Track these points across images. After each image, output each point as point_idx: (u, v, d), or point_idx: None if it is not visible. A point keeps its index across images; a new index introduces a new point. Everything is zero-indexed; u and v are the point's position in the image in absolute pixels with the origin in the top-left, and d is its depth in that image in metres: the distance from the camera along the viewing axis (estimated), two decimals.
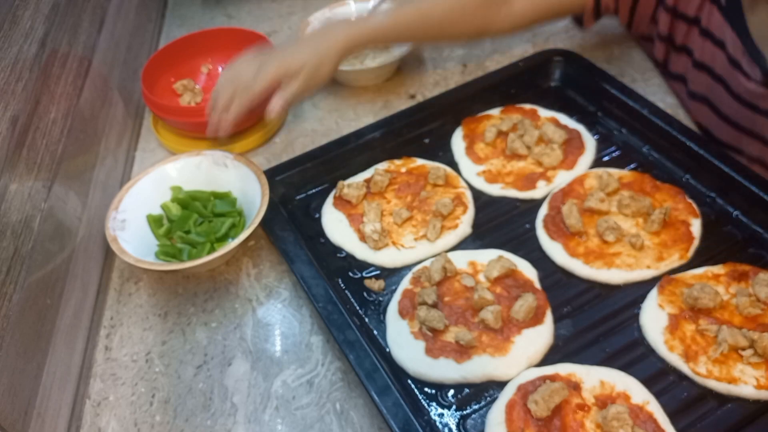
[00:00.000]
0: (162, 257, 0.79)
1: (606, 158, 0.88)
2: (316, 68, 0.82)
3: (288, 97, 0.82)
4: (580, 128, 0.90)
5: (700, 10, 0.88)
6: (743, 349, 0.64)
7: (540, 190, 0.84)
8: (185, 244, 0.81)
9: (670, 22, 0.92)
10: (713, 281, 0.71)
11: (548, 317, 0.70)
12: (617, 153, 0.88)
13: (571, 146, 0.88)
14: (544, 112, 0.93)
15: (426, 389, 0.66)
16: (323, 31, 0.87)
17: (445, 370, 0.66)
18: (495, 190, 0.85)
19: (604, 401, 0.61)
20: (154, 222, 0.82)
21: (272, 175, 0.85)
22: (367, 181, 0.86)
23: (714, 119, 0.90)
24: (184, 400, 0.70)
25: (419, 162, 0.89)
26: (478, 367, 0.66)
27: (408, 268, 0.77)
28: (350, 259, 0.79)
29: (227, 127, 0.84)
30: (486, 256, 0.76)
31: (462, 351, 0.67)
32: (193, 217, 0.82)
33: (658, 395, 0.62)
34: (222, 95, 0.84)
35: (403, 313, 0.71)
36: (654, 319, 0.68)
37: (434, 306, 0.70)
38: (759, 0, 0.80)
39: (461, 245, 0.79)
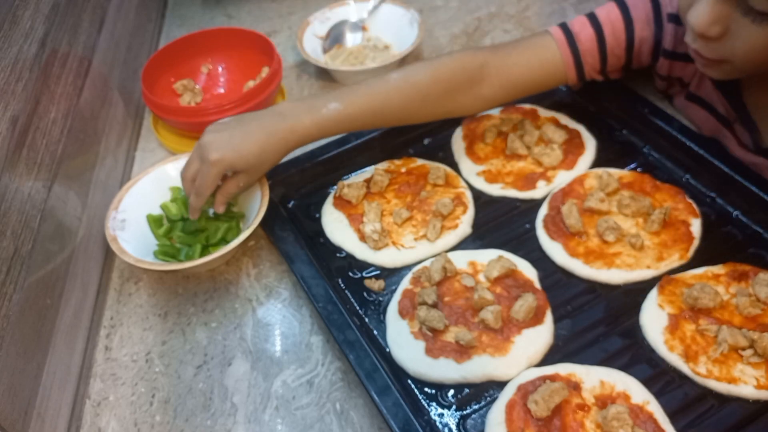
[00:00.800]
0: (161, 257, 0.79)
1: (606, 158, 0.88)
2: (257, 169, 0.77)
3: (228, 197, 0.78)
4: (580, 128, 0.90)
5: (687, 73, 0.87)
6: (743, 349, 0.64)
7: (540, 190, 0.84)
8: (184, 244, 0.81)
9: (666, 85, 0.91)
10: (713, 281, 0.71)
11: (548, 317, 0.70)
12: (617, 153, 0.88)
13: (571, 146, 0.88)
14: (544, 112, 0.93)
15: (426, 389, 0.66)
16: (270, 121, 0.76)
17: (445, 370, 0.66)
18: (495, 190, 0.85)
19: (604, 401, 0.61)
20: (154, 222, 0.82)
21: (272, 175, 0.85)
22: (367, 181, 0.86)
23: None
24: (184, 400, 0.70)
25: (419, 162, 0.89)
26: (478, 367, 0.66)
27: (408, 268, 0.77)
28: (350, 259, 0.79)
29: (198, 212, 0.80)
30: (486, 256, 0.76)
31: (462, 351, 0.67)
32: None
33: (658, 395, 0.62)
34: (185, 191, 0.79)
35: (403, 313, 0.71)
36: (654, 319, 0.68)
37: (434, 306, 0.70)
38: (755, 78, 0.76)
39: (461, 245, 0.79)
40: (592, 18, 0.84)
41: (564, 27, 0.85)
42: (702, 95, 0.86)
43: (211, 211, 0.84)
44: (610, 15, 0.83)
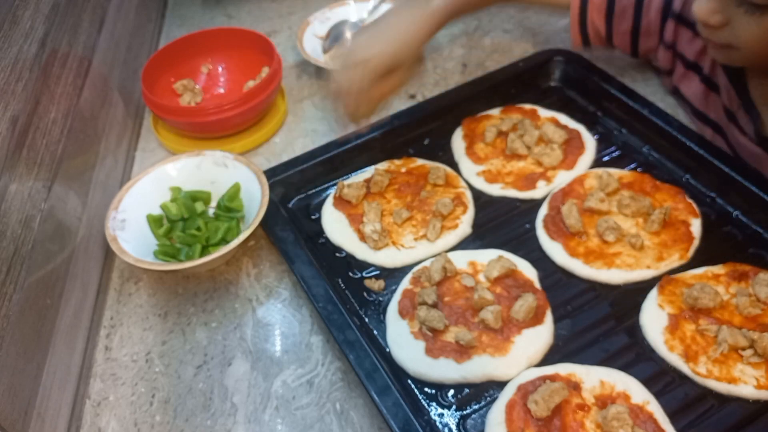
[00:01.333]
0: (160, 257, 0.79)
1: (606, 158, 0.88)
2: (410, 57, 0.78)
3: (384, 98, 0.79)
4: (580, 128, 0.90)
5: (701, 57, 0.87)
6: (743, 349, 0.64)
7: (540, 190, 0.84)
8: (184, 244, 0.81)
9: (671, 58, 0.91)
10: (713, 281, 0.71)
11: (548, 317, 0.70)
12: (617, 153, 0.88)
13: (571, 146, 0.88)
14: (544, 112, 0.93)
15: (426, 389, 0.66)
16: (407, 13, 0.78)
17: (445, 370, 0.66)
18: (495, 190, 0.85)
19: (604, 401, 0.61)
20: (154, 222, 0.82)
21: (272, 175, 0.85)
22: (367, 181, 0.86)
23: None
24: (184, 400, 0.70)
25: (419, 162, 0.89)
26: (478, 367, 0.66)
27: (408, 268, 0.77)
28: (350, 259, 0.79)
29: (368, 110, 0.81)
30: (486, 256, 0.76)
31: (462, 351, 0.67)
32: (195, 219, 0.82)
33: (658, 395, 0.62)
34: (343, 87, 0.79)
35: (403, 313, 0.71)
36: (654, 319, 0.68)
37: (434, 306, 0.70)
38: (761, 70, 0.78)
39: (461, 245, 0.79)
40: None
41: None
42: (711, 75, 0.86)
43: (211, 212, 0.85)
44: None
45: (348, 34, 1.12)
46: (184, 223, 0.82)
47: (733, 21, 0.69)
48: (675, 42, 0.89)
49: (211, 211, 0.84)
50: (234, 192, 0.83)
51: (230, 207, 0.83)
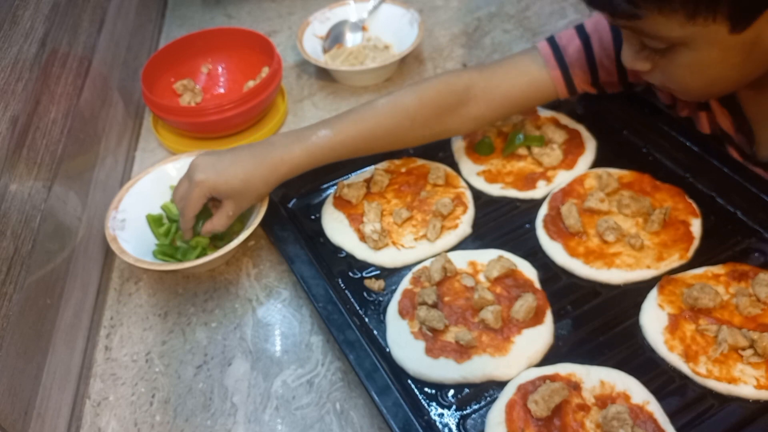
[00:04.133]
0: (160, 257, 0.79)
1: (606, 158, 0.88)
2: (243, 196, 0.76)
3: (216, 227, 0.77)
4: (580, 128, 0.90)
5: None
6: (743, 349, 0.64)
7: (540, 190, 0.84)
8: (184, 243, 0.81)
9: (665, 95, 0.89)
10: (713, 281, 0.71)
11: (548, 317, 0.70)
12: (617, 153, 0.88)
13: (571, 146, 0.88)
14: (544, 112, 0.93)
15: (426, 389, 0.66)
16: (260, 150, 0.77)
17: (445, 370, 0.66)
18: (495, 190, 0.85)
19: (604, 401, 0.61)
20: (154, 222, 0.82)
21: None
22: (367, 181, 0.86)
23: None
24: (184, 400, 0.70)
25: (419, 162, 0.89)
26: (478, 367, 0.66)
27: (408, 268, 0.77)
28: (350, 259, 0.79)
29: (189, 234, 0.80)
30: (486, 256, 0.76)
31: (462, 351, 0.67)
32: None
33: (658, 395, 0.62)
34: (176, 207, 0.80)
35: (403, 313, 0.71)
36: (654, 319, 0.68)
37: (434, 306, 0.70)
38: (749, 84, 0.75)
39: (461, 245, 0.79)
40: (580, 29, 0.83)
41: (551, 41, 0.84)
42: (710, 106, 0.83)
43: None
44: (597, 25, 0.82)
45: (347, 35, 1.12)
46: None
47: (656, 64, 0.70)
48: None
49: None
50: None
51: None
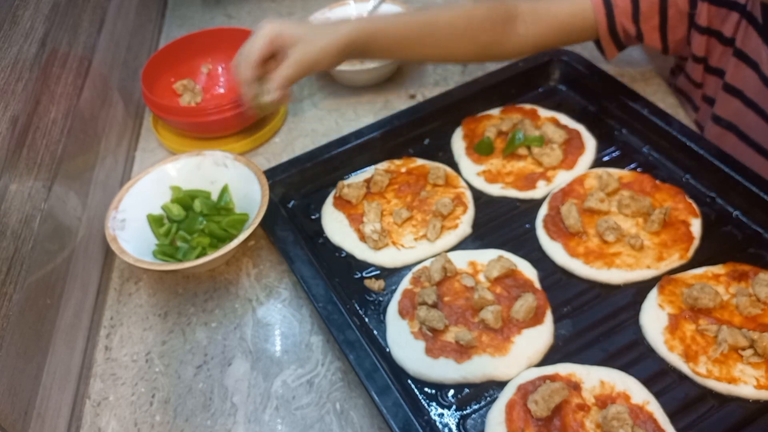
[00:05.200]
0: (160, 257, 0.79)
1: (606, 158, 0.88)
2: (308, 42, 0.77)
3: (283, 75, 0.77)
4: (580, 128, 0.90)
5: (736, 30, 0.85)
6: (743, 349, 0.64)
7: (540, 190, 0.84)
8: (185, 243, 0.81)
9: (705, 42, 0.89)
10: (713, 281, 0.71)
11: (548, 317, 0.70)
12: (617, 153, 0.88)
13: (571, 146, 0.88)
14: (544, 112, 0.93)
15: (426, 389, 0.66)
16: (328, 24, 0.84)
17: (445, 370, 0.66)
18: (495, 190, 0.85)
19: (604, 401, 0.61)
20: (155, 221, 0.82)
21: (272, 175, 0.85)
22: (367, 181, 0.86)
23: (741, 147, 0.88)
24: (184, 400, 0.70)
25: (419, 162, 0.89)
26: (478, 367, 0.66)
27: (408, 268, 0.77)
28: (350, 259, 0.79)
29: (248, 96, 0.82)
30: (486, 256, 0.76)
31: (462, 351, 0.67)
32: (197, 218, 0.82)
33: (658, 395, 0.62)
34: (235, 67, 0.82)
35: (403, 313, 0.71)
36: (654, 319, 0.68)
37: (434, 306, 0.70)
38: None
39: (461, 245, 0.79)
40: None
41: None
42: (747, 51, 0.84)
43: (216, 201, 0.84)
44: None
45: None
46: (186, 222, 0.82)
47: None
48: (709, 23, 0.87)
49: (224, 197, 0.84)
50: (222, 194, 0.84)
51: (221, 207, 0.83)
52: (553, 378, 0.63)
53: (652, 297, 0.70)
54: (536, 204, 0.83)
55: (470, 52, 0.89)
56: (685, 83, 0.98)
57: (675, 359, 0.65)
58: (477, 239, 0.80)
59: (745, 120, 0.87)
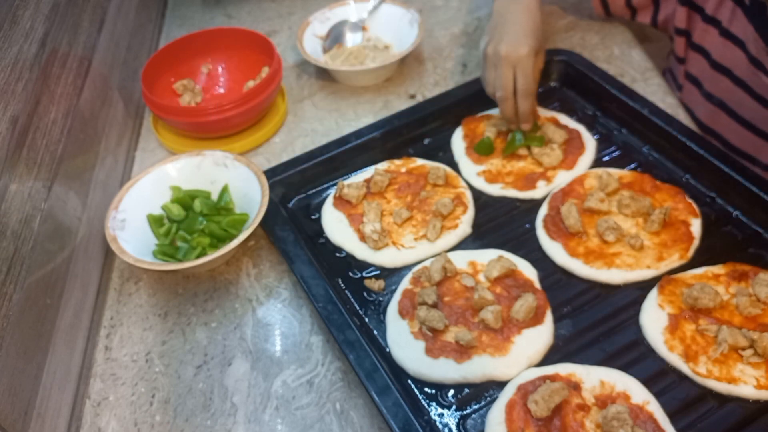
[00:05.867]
0: (159, 257, 0.79)
1: (606, 158, 0.88)
2: (544, 36, 0.82)
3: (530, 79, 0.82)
4: (580, 128, 0.90)
5: (719, 10, 0.86)
6: (743, 349, 0.64)
7: (540, 190, 0.84)
8: (185, 243, 0.81)
9: (686, 15, 0.90)
10: (713, 281, 0.71)
11: (548, 317, 0.70)
12: (617, 153, 0.88)
13: (571, 146, 0.88)
14: (544, 112, 0.93)
15: (426, 389, 0.66)
16: (516, 7, 0.85)
17: (445, 370, 0.66)
18: (495, 190, 0.85)
19: (604, 401, 0.61)
20: (155, 221, 0.82)
21: (272, 175, 0.85)
22: (367, 181, 0.86)
23: (732, 124, 0.88)
24: (184, 400, 0.70)
25: (419, 162, 0.89)
26: (478, 367, 0.66)
27: (408, 268, 0.77)
28: (350, 259, 0.79)
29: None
30: (486, 256, 0.76)
31: (462, 351, 0.67)
32: (197, 218, 0.82)
33: (658, 395, 0.62)
34: (501, 91, 0.84)
35: (403, 313, 0.71)
36: (654, 319, 0.68)
37: (434, 306, 0.70)
38: None
39: (461, 245, 0.79)
40: None
41: None
42: (735, 31, 0.85)
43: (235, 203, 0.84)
44: None
45: (347, 35, 1.12)
46: (186, 222, 0.82)
47: None
48: None
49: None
50: (222, 194, 0.84)
51: (221, 207, 0.83)
52: (553, 378, 0.63)
53: (652, 297, 0.70)
54: (536, 204, 0.83)
55: None
56: (672, 62, 1.00)
57: (675, 359, 0.65)
58: (477, 239, 0.80)
59: (735, 98, 0.88)
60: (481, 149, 0.89)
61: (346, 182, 0.85)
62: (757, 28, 0.81)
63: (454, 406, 0.65)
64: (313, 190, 0.88)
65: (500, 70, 0.83)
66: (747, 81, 0.85)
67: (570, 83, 0.98)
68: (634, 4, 0.90)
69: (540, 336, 0.68)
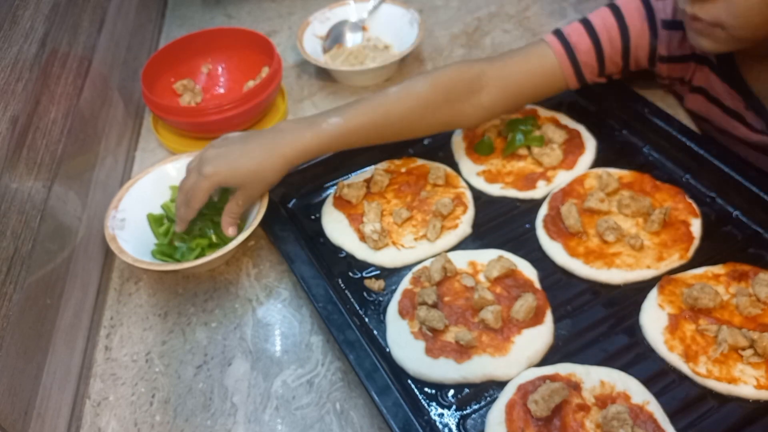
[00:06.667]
0: (158, 256, 0.79)
1: (606, 158, 0.88)
2: (255, 186, 0.76)
3: (232, 217, 0.78)
4: (580, 128, 0.90)
5: (687, 72, 0.87)
6: (743, 349, 0.64)
7: (540, 190, 0.84)
8: (183, 243, 0.81)
9: (668, 83, 0.92)
10: (713, 281, 0.71)
11: (548, 317, 0.70)
12: (617, 153, 0.88)
13: (571, 146, 0.88)
14: (544, 112, 0.93)
15: (426, 389, 0.66)
16: (271, 138, 0.77)
17: (445, 370, 0.66)
18: (495, 190, 0.85)
19: (604, 401, 0.61)
20: (155, 221, 0.82)
21: None
22: (367, 181, 0.86)
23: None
24: (184, 400, 0.70)
25: (419, 162, 0.89)
26: (478, 367, 0.66)
27: (408, 268, 0.77)
28: (350, 259, 0.79)
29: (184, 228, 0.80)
30: (486, 256, 0.76)
31: (462, 351, 0.67)
32: (197, 218, 0.82)
33: (658, 395, 0.62)
34: (177, 201, 0.79)
35: (403, 313, 0.71)
36: (654, 319, 0.68)
37: (434, 306, 0.70)
38: (754, 57, 0.78)
39: (461, 245, 0.79)
40: (588, 26, 0.84)
41: (560, 36, 0.85)
42: (707, 88, 0.86)
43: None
44: (605, 22, 0.84)
45: (347, 35, 1.12)
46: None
47: None
48: (669, 74, 0.89)
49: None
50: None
51: (221, 208, 0.83)
52: (553, 378, 0.63)
53: (652, 297, 0.70)
54: (536, 204, 0.83)
55: (434, 128, 0.85)
56: None
57: (675, 359, 0.65)
58: (477, 239, 0.80)
59: (721, 137, 0.89)
60: (481, 149, 0.89)
61: (346, 182, 0.85)
62: (731, 85, 0.81)
63: (454, 406, 0.65)
64: (313, 190, 0.88)
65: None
66: (727, 129, 0.86)
67: None
68: (607, 73, 0.88)
69: (540, 336, 0.68)
